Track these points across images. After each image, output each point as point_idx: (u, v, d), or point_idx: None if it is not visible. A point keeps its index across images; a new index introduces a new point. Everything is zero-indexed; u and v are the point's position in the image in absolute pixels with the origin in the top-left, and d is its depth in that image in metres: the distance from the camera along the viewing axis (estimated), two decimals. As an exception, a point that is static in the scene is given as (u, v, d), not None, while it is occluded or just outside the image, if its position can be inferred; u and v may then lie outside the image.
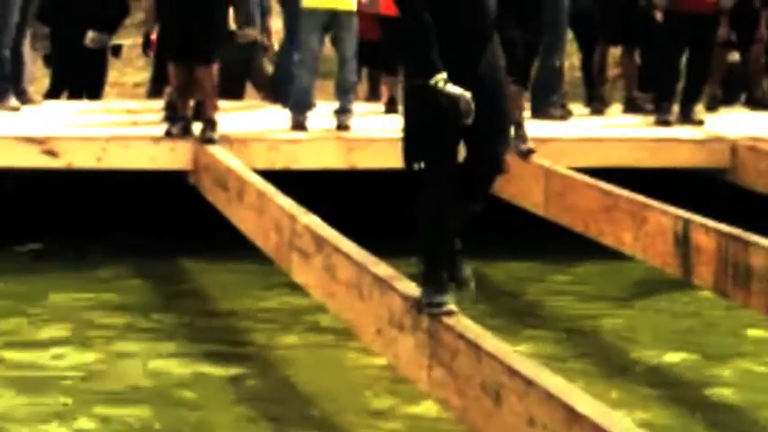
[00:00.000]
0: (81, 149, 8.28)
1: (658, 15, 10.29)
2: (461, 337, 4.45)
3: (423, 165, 4.58)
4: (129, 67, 14.51)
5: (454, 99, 4.43)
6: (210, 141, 8.29)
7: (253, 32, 10.66)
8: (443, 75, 4.44)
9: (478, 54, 4.64)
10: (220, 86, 10.38)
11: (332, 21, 8.95)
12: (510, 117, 5.00)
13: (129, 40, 12.68)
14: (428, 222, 4.66)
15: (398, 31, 4.74)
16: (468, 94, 4.44)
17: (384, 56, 10.51)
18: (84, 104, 10.62)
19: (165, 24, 8.63)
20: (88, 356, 6.33)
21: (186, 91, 8.50)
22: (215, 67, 8.46)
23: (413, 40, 4.58)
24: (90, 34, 11.05)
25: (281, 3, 10.45)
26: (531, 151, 8.11)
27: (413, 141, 4.66)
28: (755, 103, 11.37)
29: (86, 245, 8.35)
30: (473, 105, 4.44)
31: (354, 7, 9.02)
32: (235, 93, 11.19)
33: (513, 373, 4.11)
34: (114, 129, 8.88)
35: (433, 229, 4.68)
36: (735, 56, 11.59)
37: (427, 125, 4.58)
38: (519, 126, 8.11)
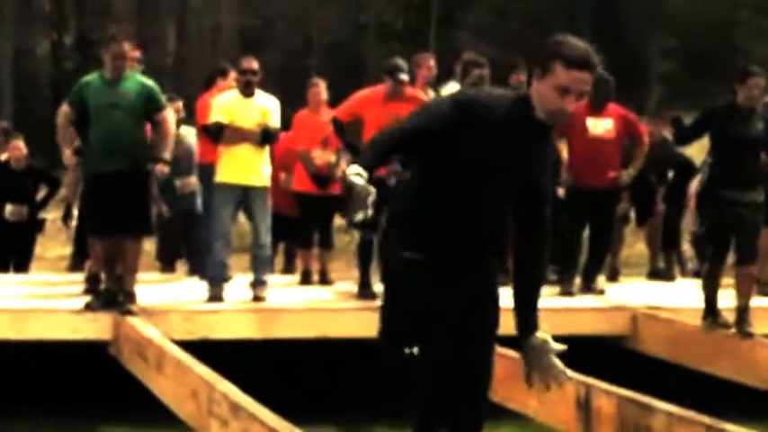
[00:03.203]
0: (2, 321, 8.42)
1: (561, 192, 10.75)
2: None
3: (414, 349, 4.28)
4: (52, 242, 14.74)
5: (350, 186, 4.03)
6: (129, 313, 8.50)
7: (192, 181, 10.92)
8: (359, 170, 4.03)
9: (480, 260, 4.44)
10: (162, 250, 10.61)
11: (245, 196, 9.29)
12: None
13: (51, 214, 12.92)
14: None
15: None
16: (371, 188, 4.04)
17: (298, 230, 10.89)
18: (5, 277, 10.79)
19: (92, 201, 8.79)
20: None
21: (111, 264, 8.71)
22: (141, 242, 8.75)
23: (372, 144, 4.22)
24: (8, 207, 11.31)
25: (198, 177, 10.79)
26: None
27: (395, 322, 4.36)
28: (654, 274, 11.87)
29: (7, 416, 8.42)
30: (371, 194, 4.03)
31: (267, 183, 9.36)
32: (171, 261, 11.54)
33: None
34: (35, 301, 9.07)
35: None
36: None
37: (417, 303, 4.28)
38: None
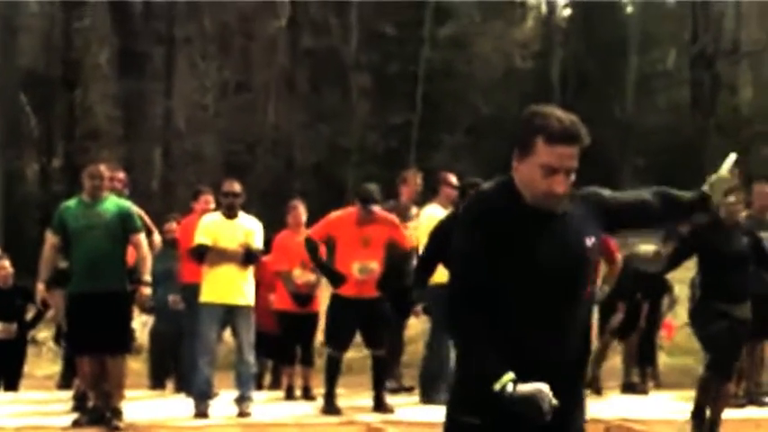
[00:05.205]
0: (-8, 439, 8.64)
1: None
2: None
3: None
4: (41, 360, 14.92)
5: (531, 399, 3.51)
6: (117, 429, 8.70)
7: (176, 299, 11.16)
8: (510, 375, 3.54)
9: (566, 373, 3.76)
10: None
11: (230, 314, 9.57)
12: None
13: (41, 333, 13.14)
14: None
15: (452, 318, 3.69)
16: (544, 387, 3.53)
17: (282, 347, 11.16)
18: (-5, 396, 10.99)
19: (74, 320, 9.04)
20: None
21: (97, 382, 8.94)
22: (124, 360, 8.99)
23: (469, 336, 3.66)
24: (-2, 325, 11.56)
25: (182, 297, 11.01)
26: None
27: None
28: (628, 388, 12.12)
29: None
30: (552, 398, 3.53)
31: (251, 302, 9.64)
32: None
33: None
34: (25, 419, 9.27)
35: None
36: None
37: None
38: None
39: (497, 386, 3.53)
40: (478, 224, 3.69)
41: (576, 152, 3.69)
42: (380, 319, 9.83)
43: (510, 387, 3.52)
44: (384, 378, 10.05)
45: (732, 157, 4.13)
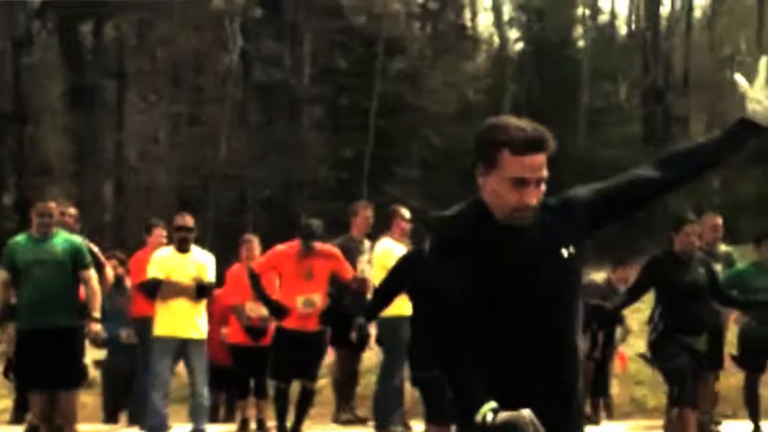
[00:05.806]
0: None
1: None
2: None
3: None
4: (-9, 395, 14.78)
5: (511, 426, 3.31)
6: (69, 463, 8.68)
7: (129, 333, 11.07)
8: (490, 404, 3.36)
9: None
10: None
11: (183, 348, 9.55)
12: None
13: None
14: None
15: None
16: (526, 412, 3.32)
17: (235, 380, 11.14)
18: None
19: (24, 355, 9.02)
20: None
21: (48, 416, 8.89)
22: (75, 394, 8.94)
23: (452, 371, 3.46)
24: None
25: (135, 331, 10.92)
26: None
27: None
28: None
29: None
30: (537, 424, 3.31)
31: (204, 335, 9.62)
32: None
33: None
34: (-25, 455, 9.20)
35: None
36: None
37: None
38: None
39: (478, 417, 3.35)
40: (450, 253, 3.52)
41: (545, 160, 3.53)
42: (318, 352, 9.90)
43: (490, 416, 3.34)
44: (307, 411, 10.04)
45: (764, 60, 3.75)
